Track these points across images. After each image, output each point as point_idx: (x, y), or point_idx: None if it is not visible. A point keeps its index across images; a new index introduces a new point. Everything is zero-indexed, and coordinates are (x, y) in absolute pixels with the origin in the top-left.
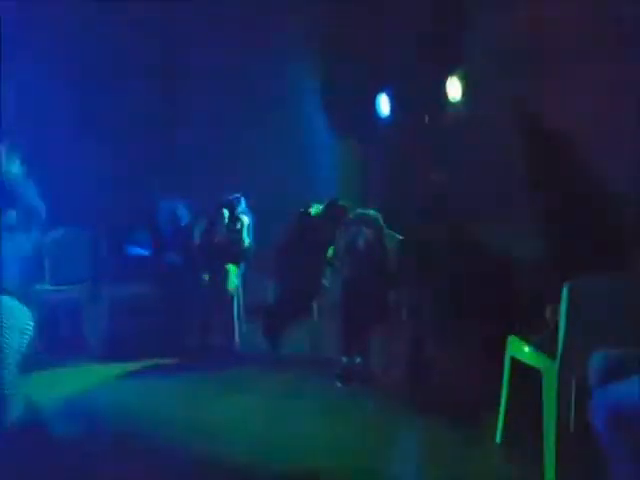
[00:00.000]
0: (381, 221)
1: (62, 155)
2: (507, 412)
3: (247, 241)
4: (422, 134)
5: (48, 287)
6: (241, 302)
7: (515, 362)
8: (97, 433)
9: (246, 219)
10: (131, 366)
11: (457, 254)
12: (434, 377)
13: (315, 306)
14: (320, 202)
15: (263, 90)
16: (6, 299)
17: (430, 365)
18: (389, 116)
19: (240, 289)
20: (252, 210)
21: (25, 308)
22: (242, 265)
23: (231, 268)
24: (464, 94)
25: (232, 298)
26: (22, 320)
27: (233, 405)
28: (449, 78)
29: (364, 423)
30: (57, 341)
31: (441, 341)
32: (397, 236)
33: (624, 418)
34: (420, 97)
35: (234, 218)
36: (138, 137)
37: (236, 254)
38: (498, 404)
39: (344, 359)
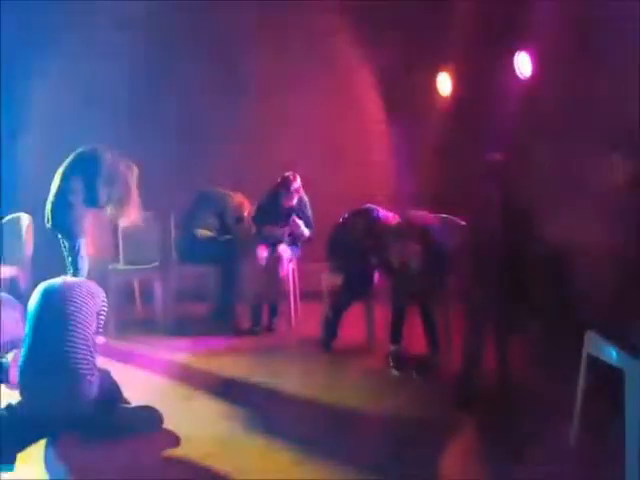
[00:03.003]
0: (433, 227)
1: (134, 144)
2: (582, 413)
3: (302, 224)
4: (484, 114)
5: (122, 267)
6: (297, 286)
7: (592, 359)
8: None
9: (298, 198)
10: (194, 342)
11: (527, 243)
12: (504, 375)
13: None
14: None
15: (316, 76)
16: (85, 282)
17: (501, 362)
18: (447, 95)
19: (295, 273)
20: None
21: (101, 290)
22: (298, 248)
23: (285, 251)
24: (531, 74)
25: (287, 281)
26: (99, 302)
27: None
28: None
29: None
30: (130, 317)
31: (510, 337)
32: (459, 223)
33: None
34: (482, 77)
35: (289, 195)
36: (205, 130)
37: (291, 236)
38: (573, 404)
39: (393, 347)
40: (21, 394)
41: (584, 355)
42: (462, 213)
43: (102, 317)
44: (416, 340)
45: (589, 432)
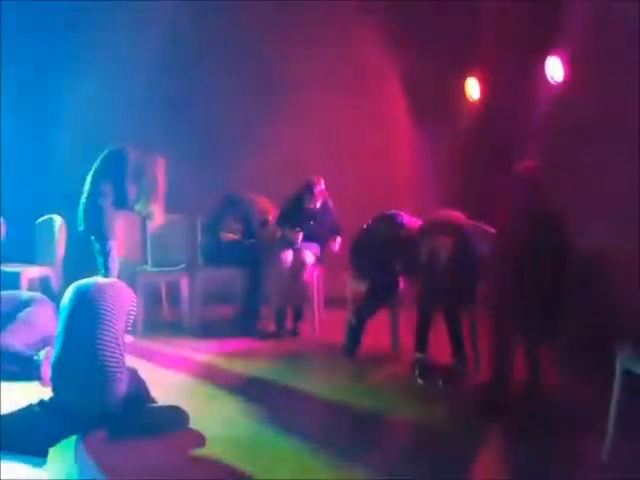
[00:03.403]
0: (464, 226)
1: (162, 146)
2: (616, 426)
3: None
4: (513, 119)
5: (150, 268)
6: (321, 291)
7: (626, 372)
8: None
9: (322, 202)
10: (219, 344)
11: (557, 249)
12: (533, 385)
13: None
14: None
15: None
16: (116, 283)
17: (531, 372)
18: (476, 100)
19: (320, 279)
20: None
21: (131, 290)
22: (322, 252)
23: (309, 256)
24: (563, 78)
25: (311, 286)
26: (129, 302)
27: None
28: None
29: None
30: (157, 318)
31: (541, 345)
32: (489, 230)
33: None
34: (512, 81)
35: (313, 198)
36: (232, 133)
37: (314, 240)
38: (605, 417)
39: (418, 355)
40: (53, 390)
41: (618, 368)
42: (490, 219)
43: (131, 316)
44: (442, 348)
45: (622, 445)
